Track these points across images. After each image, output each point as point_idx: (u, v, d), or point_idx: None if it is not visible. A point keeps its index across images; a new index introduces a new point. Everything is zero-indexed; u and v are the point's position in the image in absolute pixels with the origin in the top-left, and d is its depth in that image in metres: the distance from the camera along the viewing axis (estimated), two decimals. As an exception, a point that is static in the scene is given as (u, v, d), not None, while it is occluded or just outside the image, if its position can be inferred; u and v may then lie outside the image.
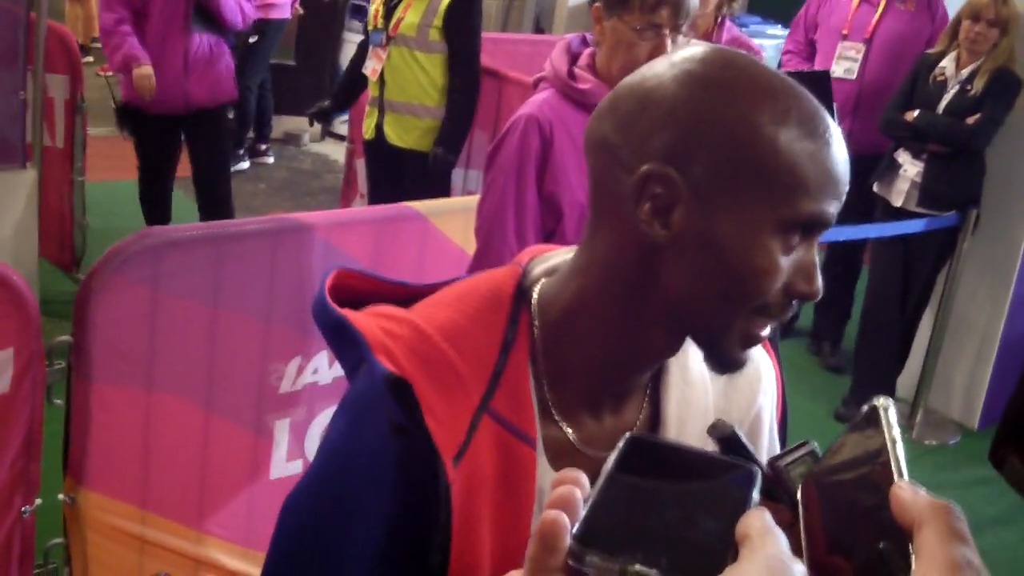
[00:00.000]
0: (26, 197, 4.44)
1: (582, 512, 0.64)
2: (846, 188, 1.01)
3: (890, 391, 4.86)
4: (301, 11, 7.66)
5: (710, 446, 1.12)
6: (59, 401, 2.51)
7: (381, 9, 4.54)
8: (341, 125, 7.93)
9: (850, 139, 5.04)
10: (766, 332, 1.04)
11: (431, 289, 1.15)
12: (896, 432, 0.65)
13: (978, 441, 4.84)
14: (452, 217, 3.11)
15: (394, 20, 4.48)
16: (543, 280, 1.12)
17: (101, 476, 2.54)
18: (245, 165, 7.42)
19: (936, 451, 4.82)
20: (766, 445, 1.25)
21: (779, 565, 0.58)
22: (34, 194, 4.51)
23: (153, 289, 2.52)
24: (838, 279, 5.49)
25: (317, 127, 8.25)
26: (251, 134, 7.53)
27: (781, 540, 0.60)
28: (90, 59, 8.66)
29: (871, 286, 5.09)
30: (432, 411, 1.00)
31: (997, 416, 4.99)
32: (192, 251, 2.61)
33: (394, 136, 4.56)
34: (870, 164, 4.89)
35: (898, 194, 4.79)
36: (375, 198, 4.70)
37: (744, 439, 0.91)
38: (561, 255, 1.15)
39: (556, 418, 1.09)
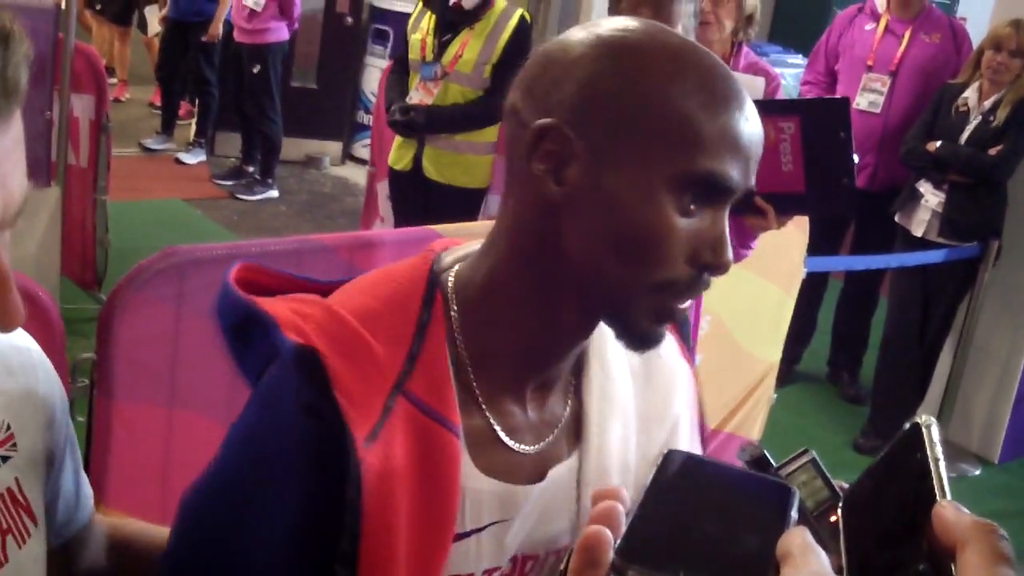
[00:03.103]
0: (49, 215, 4.46)
1: (624, 527, 0.64)
2: (753, 155, 0.99)
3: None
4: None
5: (632, 445, 1.12)
6: (81, 419, 2.52)
7: (431, 41, 4.42)
8: (362, 149, 7.97)
9: (874, 174, 5.01)
10: (683, 306, 1.01)
11: (342, 284, 1.12)
12: (939, 451, 0.65)
13: (999, 474, 4.81)
14: (475, 240, 3.11)
15: (451, 56, 4.39)
16: (458, 265, 1.10)
17: (121, 494, 2.55)
18: (274, 193, 7.45)
19: (956, 483, 4.75)
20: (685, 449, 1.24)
21: None
22: (57, 212, 4.54)
23: (176, 307, 2.53)
24: (856, 309, 5.48)
25: (338, 151, 8.30)
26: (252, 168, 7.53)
27: (822, 558, 0.60)
28: (113, 81, 8.74)
29: (891, 316, 5.07)
30: (343, 387, 0.96)
31: (1018, 449, 4.97)
32: (216, 270, 2.61)
33: (433, 171, 4.47)
34: (895, 199, 4.89)
35: (919, 224, 4.77)
36: (400, 227, 4.66)
37: (772, 461, 0.91)
38: (474, 245, 1.13)
39: (482, 406, 1.06)
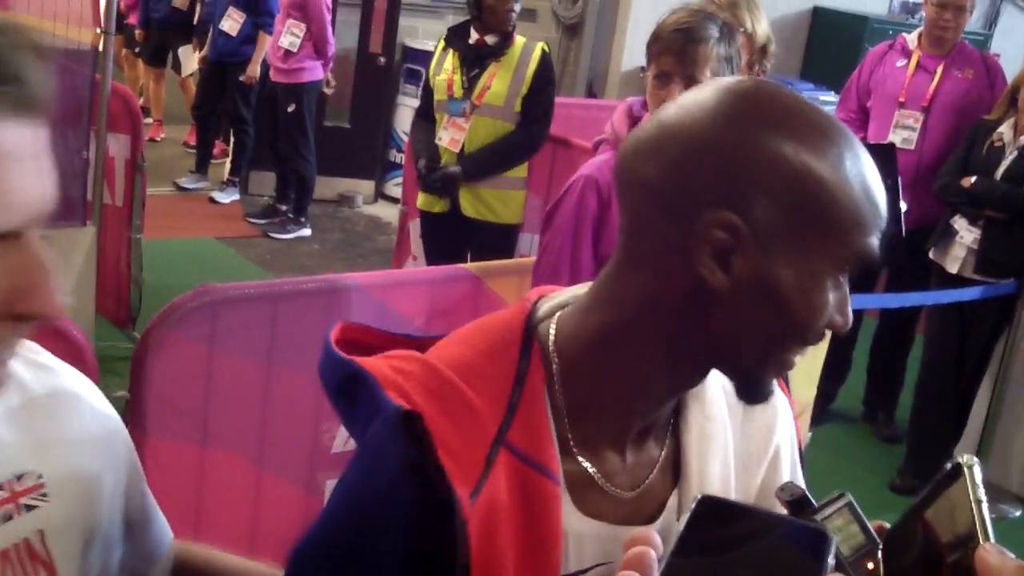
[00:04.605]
0: (85, 254, 4.51)
1: (656, 573, 0.63)
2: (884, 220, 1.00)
3: (946, 462, 4.77)
4: (332, 84, 7.69)
5: (732, 484, 1.11)
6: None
7: (459, 79, 4.49)
8: (395, 187, 8.01)
9: (909, 211, 4.96)
10: (797, 359, 1.03)
11: (438, 339, 1.13)
12: (981, 492, 0.64)
13: (1039, 515, 4.73)
14: (506, 278, 3.12)
15: (479, 89, 4.45)
16: (558, 314, 1.10)
17: (153, 532, 2.55)
18: (307, 232, 7.49)
19: (995, 525, 4.65)
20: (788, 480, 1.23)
21: None
22: (93, 251, 4.58)
23: (209, 346, 2.54)
24: (891, 347, 5.42)
25: (370, 189, 8.35)
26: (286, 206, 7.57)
27: None
28: (149, 121, 8.85)
29: (927, 355, 5.01)
30: (446, 445, 0.97)
31: (1059, 489, 4.88)
32: (248, 309, 2.63)
33: (471, 209, 4.50)
34: (929, 236, 4.85)
35: (954, 260, 4.73)
36: (434, 264, 4.67)
37: (813, 501, 0.90)
38: (570, 292, 1.13)
39: (576, 454, 1.06)
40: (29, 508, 1.01)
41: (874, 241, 0.98)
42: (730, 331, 0.99)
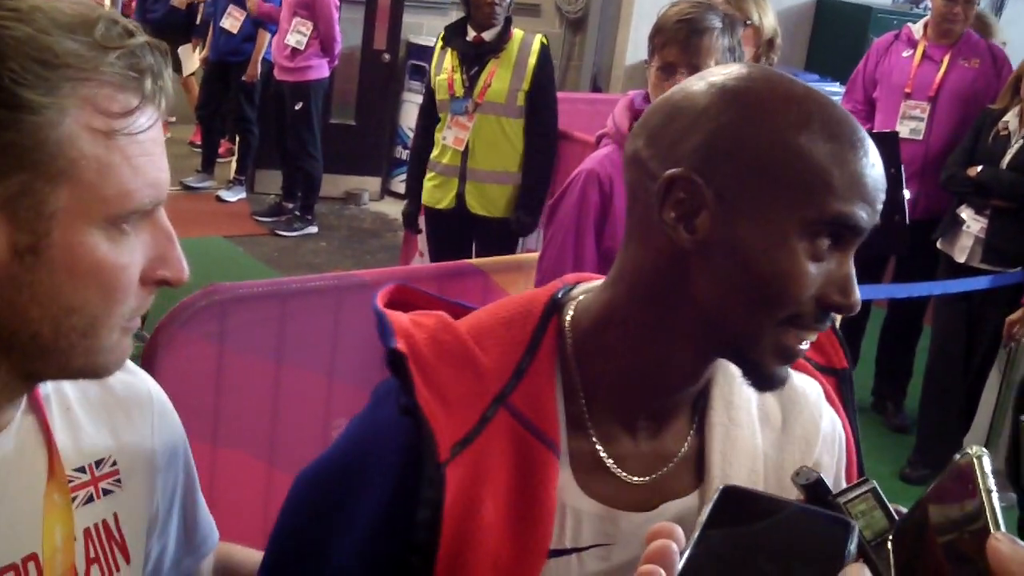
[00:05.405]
0: (94, 255, 4.51)
1: (679, 565, 0.64)
2: (879, 195, 1.00)
3: (956, 451, 4.76)
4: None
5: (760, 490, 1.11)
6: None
7: (460, 77, 4.49)
8: (401, 184, 8.01)
9: (916, 201, 4.94)
10: (804, 346, 1.03)
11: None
12: (991, 482, 0.64)
13: (1048, 503, 4.72)
14: (513, 273, 3.12)
15: (480, 87, 4.46)
16: (581, 296, 1.13)
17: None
18: (313, 230, 7.50)
19: (1005, 513, 4.69)
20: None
21: None
22: (101, 252, 4.58)
23: (219, 344, 2.55)
24: (900, 338, 5.42)
25: (377, 186, 8.35)
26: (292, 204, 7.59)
27: None
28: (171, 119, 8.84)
29: (935, 344, 5.01)
30: (440, 393, 1.02)
31: (1068, 477, 4.87)
32: (257, 307, 2.64)
33: (477, 205, 4.52)
34: (937, 226, 4.84)
35: (961, 250, 4.72)
36: (437, 262, 4.69)
37: (829, 485, 0.90)
38: (603, 279, 1.16)
39: (590, 433, 1.08)
40: (106, 492, 1.10)
41: (855, 210, 0.98)
42: (710, 298, 1.00)
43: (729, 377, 1.13)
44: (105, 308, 0.95)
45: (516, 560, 1.01)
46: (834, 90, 7.76)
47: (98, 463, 1.09)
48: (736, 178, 0.98)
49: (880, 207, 1.01)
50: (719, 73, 1.04)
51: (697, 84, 1.04)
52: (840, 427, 1.22)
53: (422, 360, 1.03)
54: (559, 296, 1.13)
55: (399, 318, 1.08)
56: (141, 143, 0.94)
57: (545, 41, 4.60)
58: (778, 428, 1.17)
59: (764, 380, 1.04)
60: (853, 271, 1.01)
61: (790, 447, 1.17)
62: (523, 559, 1.01)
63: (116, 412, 1.13)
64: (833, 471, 1.21)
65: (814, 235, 0.98)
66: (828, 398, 1.22)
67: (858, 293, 1.01)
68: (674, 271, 1.02)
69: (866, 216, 0.99)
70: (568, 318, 1.11)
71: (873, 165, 1.00)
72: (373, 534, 1.04)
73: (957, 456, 0.69)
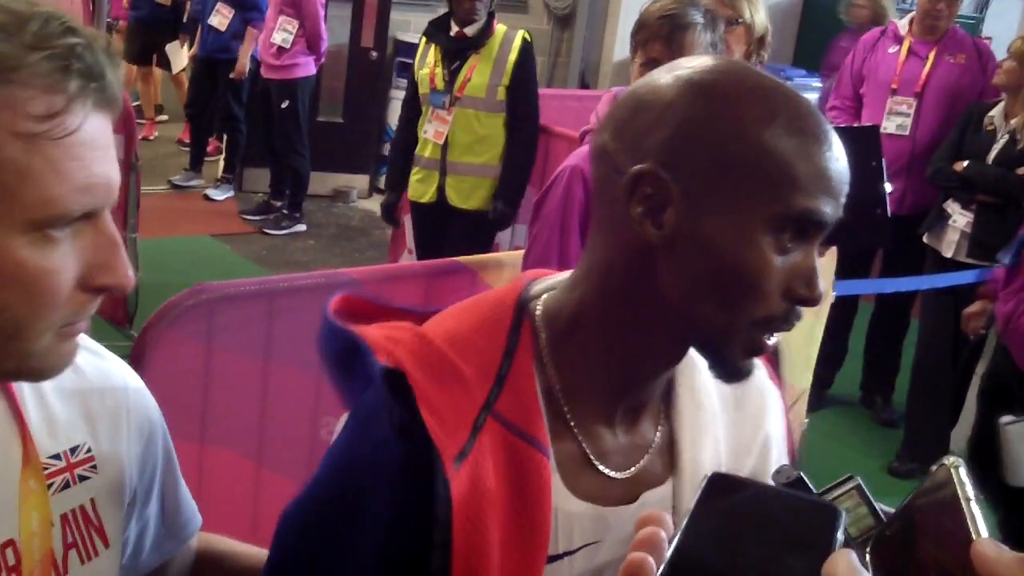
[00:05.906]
0: (81, 254, 4.49)
1: (667, 553, 0.64)
2: (843, 188, 1.01)
3: (944, 445, 4.78)
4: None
5: (723, 470, 1.11)
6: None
7: (441, 72, 4.52)
8: (388, 181, 7.99)
9: (903, 197, 4.97)
10: (772, 341, 1.04)
11: (435, 313, 1.16)
12: (970, 490, 0.65)
13: (1036, 496, 4.73)
14: (500, 271, 3.13)
15: (460, 81, 4.48)
16: (546, 294, 1.12)
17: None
18: (302, 228, 7.49)
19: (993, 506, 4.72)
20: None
21: None
22: (89, 251, 4.56)
23: (207, 343, 2.55)
24: (887, 332, 5.44)
25: (365, 184, 8.33)
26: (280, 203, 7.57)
27: None
28: (142, 120, 8.83)
29: (922, 338, 5.02)
30: (432, 407, 0.99)
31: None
32: (245, 306, 2.63)
33: (457, 198, 4.55)
34: (924, 221, 4.85)
35: (948, 244, 4.74)
36: (426, 257, 4.70)
37: (811, 484, 0.90)
38: (562, 275, 1.16)
39: (574, 432, 1.08)
40: (82, 478, 1.10)
41: (820, 205, 0.98)
42: (677, 293, 1.00)
43: (691, 361, 1.12)
44: (31, 312, 0.93)
45: (519, 572, 1.00)
46: (820, 85, 7.78)
47: (73, 450, 1.10)
48: (702, 174, 0.98)
49: (844, 200, 1.01)
50: (685, 66, 1.03)
51: (664, 77, 1.03)
52: (777, 395, 1.25)
53: (411, 377, 1.01)
54: (525, 296, 1.12)
55: (372, 335, 1.05)
56: (67, 147, 0.90)
57: (528, 37, 4.61)
58: (732, 406, 1.18)
59: (731, 373, 1.05)
60: (816, 264, 1.02)
61: (744, 423, 1.19)
62: (525, 570, 1.01)
63: (91, 398, 1.13)
64: (779, 443, 1.23)
65: (779, 230, 0.98)
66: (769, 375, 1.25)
67: (821, 285, 1.02)
68: (642, 266, 1.02)
69: (830, 210, 0.99)
70: (537, 316, 1.10)
71: (837, 159, 1.00)
72: (377, 562, 1.01)
73: (933, 468, 0.69)
